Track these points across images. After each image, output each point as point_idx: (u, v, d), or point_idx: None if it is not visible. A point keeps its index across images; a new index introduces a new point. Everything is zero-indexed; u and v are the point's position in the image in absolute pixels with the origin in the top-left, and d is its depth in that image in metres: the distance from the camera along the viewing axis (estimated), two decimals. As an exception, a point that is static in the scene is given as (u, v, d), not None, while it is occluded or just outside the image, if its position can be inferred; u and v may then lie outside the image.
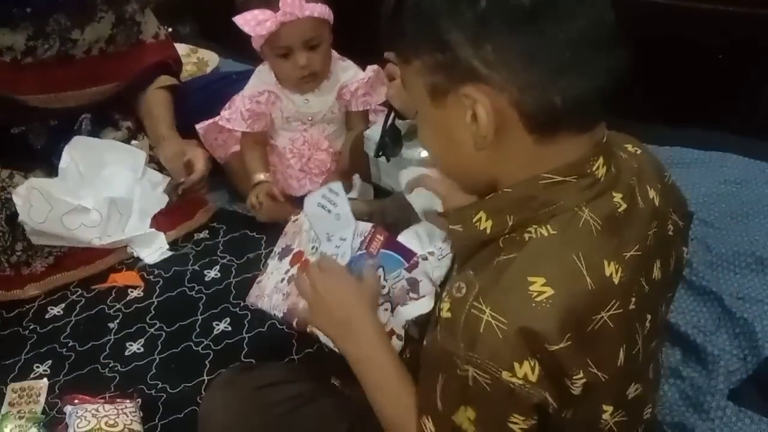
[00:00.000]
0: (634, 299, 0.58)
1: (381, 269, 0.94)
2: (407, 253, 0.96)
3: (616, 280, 0.57)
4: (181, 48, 1.91)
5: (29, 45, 1.29)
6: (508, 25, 0.53)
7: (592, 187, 0.58)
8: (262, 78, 1.35)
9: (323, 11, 1.23)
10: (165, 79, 1.48)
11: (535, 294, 0.54)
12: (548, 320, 0.54)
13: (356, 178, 1.41)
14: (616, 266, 0.57)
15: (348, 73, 1.37)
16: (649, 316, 0.62)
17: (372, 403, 0.75)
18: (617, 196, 0.60)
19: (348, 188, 1.41)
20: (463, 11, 0.55)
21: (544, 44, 0.53)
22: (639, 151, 0.68)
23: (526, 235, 0.57)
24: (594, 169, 0.58)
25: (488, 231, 0.60)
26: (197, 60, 1.85)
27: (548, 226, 0.57)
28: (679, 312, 1.04)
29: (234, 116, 1.34)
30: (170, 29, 2.17)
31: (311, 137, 1.39)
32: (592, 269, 0.56)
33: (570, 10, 0.54)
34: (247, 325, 1.13)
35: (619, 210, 0.59)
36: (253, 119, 1.33)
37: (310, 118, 1.37)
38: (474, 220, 0.61)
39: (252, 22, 1.22)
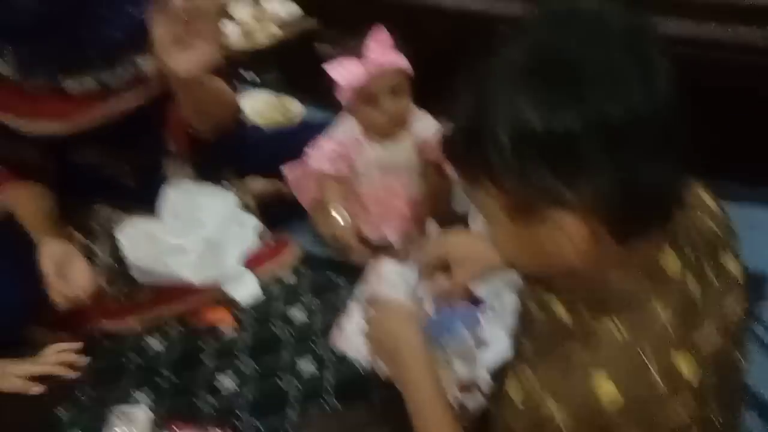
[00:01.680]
0: (705, 389, 0.59)
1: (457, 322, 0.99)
2: (477, 303, 1.01)
3: (685, 373, 0.57)
4: (267, 96, 2.04)
5: (104, 84, 1.31)
6: (599, 158, 0.53)
7: (663, 278, 0.59)
8: (347, 124, 1.43)
9: (405, 62, 1.32)
10: None
11: (598, 388, 0.56)
12: (610, 415, 0.55)
13: (431, 225, 1.46)
14: (687, 358, 0.57)
15: (425, 124, 1.43)
16: (721, 409, 0.62)
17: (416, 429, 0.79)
18: (690, 282, 0.60)
19: (424, 235, 1.47)
20: (549, 138, 0.53)
21: (632, 174, 0.54)
22: (715, 209, 0.68)
23: (596, 325, 0.59)
24: (664, 260, 0.59)
25: (563, 319, 0.62)
26: (282, 108, 1.95)
27: (618, 318, 0.58)
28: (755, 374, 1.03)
29: (319, 156, 1.43)
30: (254, 77, 2.33)
31: (389, 184, 1.45)
32: (659, 363, 0.56)
33: (658, 149, 0.55)
34: (330, 366, 1.18)
35: (691, 297, 0.60)
36: (336, 161, 1.42)
37: (389, 166, 1.44)
38: (547, 300, 0.63)
39: (343, 73, 1.31)
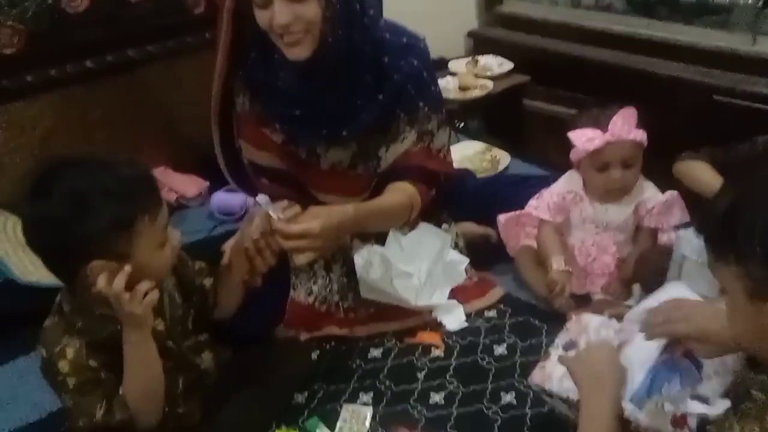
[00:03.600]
0: None
1: (677, 375, 1.06)
2: (699, 365, 1.07)
3: None
4: (477, 146, 2.22)
5: (353, 161, 1.52)
6: None
7: None
8: (572, 180, 1.56)
9: (643, 137, 1.43)
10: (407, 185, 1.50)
11: None
12: None
13: (636, 287, 1.53)
14: None
15: (648, 192, 1.53)
16: None
17: None
18: None
19: (627, 296, 1.54)
20: None
21: None
22: None
23: None
24: None
25: None
26: (490, 158, 2.12)
27: None
28: None
29: (541, 206, 1.57)
30: (462, 125, 2.53)
31: (601, 241, 1.55)
32: None
33: None
34: (529, 402, 1.30)
35: None
36: (556, 211, 1.55)
37: (604, 224, 1.55)
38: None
39: (582, 138, 1.45)
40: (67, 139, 1.85)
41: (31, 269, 1.58)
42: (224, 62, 1.49)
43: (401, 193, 1.46)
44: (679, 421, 0.99)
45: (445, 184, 1.57)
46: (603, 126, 1.42)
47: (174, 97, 2.06)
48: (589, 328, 1.25)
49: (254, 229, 1.26)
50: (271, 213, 1.25)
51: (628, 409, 1.02)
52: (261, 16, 1.31)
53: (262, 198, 1.27)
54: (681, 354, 1.06)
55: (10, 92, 1.77)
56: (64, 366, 1.10)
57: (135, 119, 1.97)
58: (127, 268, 1.06)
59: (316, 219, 1.28)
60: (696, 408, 0.99)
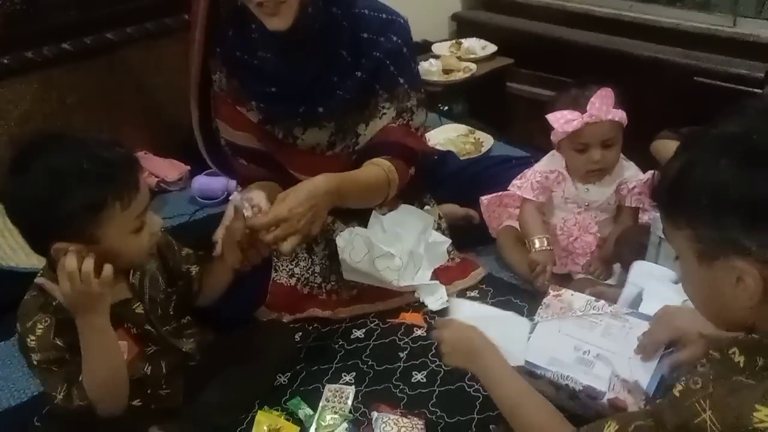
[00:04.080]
0: None
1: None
2: None
3: None
4: (461, 128, 2.21)
5: (330, 141, 1.52)
6: None
7: None
8: (554, 160, 1.57)
9: (622, 116, 1.43)
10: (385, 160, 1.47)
11: (757, 420, 0.65)
12: None
13: (617, 267, 1.54)
14: None
15: (629, 172, 1.54)
16: None
17: (515, 417, 0.95)
18: None
19: (608, 275, 1.55)
20: (742, 198, 0.67)
21: None
22: None
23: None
24: None
25: (741, 365, 0.70)
26: (474, 140, 2.12)
27: None
28: None
29: (525, 185, 1.58)
30: (446, 108, 2.52)
31: (582, 220, 1.56)
32: None
33: None
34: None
35: None
36: (539, 191, 1.55)
37: (586, 204, 1.55)
38: (729, 352, 0.72)
39: (561, 120, 1.45)
40: (45, 122, 1.83)
41: (10, 254, 1.57)
42: (202, 40, 1.47)
43: (377, 167, 1.44)
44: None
45: (423, 162, 1.56)
46: (581, 107, 1.42)
47: (154, 80, 2.04)
48: (574, 306, 1.27)
49: (237, 229, 1.25)
50: (245, 212, 1.24)
51: None
52: None
53: (235, 197, 1.26)
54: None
55: (-14, 75, 1.75)
56: (31, 341, 1.10)
57: (114, 102, 1.95)
58: (89, 256, 1.05)
59: (281, 203, 1.26)
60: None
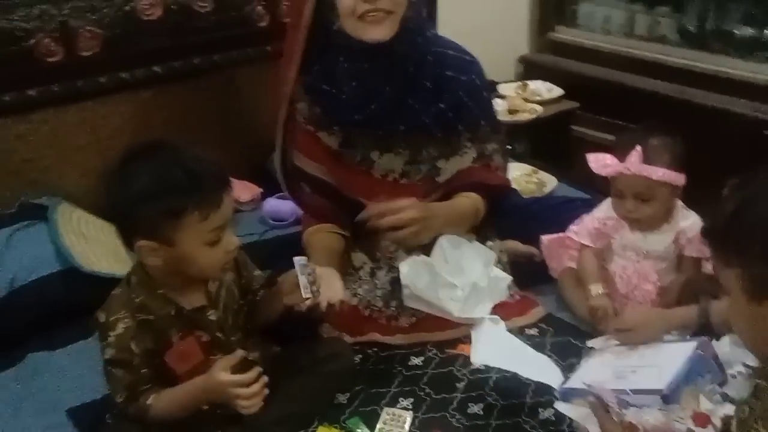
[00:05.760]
0: None
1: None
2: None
3: None
4: (524, 167, 2.24)
5: (405, 169, 1.60)
6: None
7: None
8: (611, 206, 1.57)
9: (665, 175, 1.42)
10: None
11: None
12: None
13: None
14: None
15: (688, 221, 1.53)
16: None
17: None
18: None
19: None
20: None
21: None
22: None
23: None
24: None
25: None
26: (537, 180, 2.15)
27: None
28: None
29: (582, 231, 1.60)
30: (510, 147, 2.56)
31: (642, 268, 1.55)
32: None
33: None
34: (568, 420, 1.30)
35: None
36: (597, 237, 1.57)
37: (644, 252, 1.55)
38: None
39: (598, 163, 1.48)
40: (132, 139, 1.94)
41: (93, 260, 1.67)
42: (294, 76, 1.56)
43: (468, 199, 1.53)
44: (701, 418, 1.01)
45: (503, 198, 1.63)
46: (622, 155, 1.43)
47: (233, 105, 2.15)
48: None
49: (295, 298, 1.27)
50: (303, 292, 1.24)
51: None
52: None
53: (300, 265, 1.27)
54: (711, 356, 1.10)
55: (84, 92, 1.88)
56: (111, 336, 1.18)
57: (195, 124, 2.06)
58: (240, 352, 1.21)
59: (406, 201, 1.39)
60: (723, 408, 1.02)
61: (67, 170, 1.92)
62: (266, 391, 1.20)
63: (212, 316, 1.26)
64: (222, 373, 1.16)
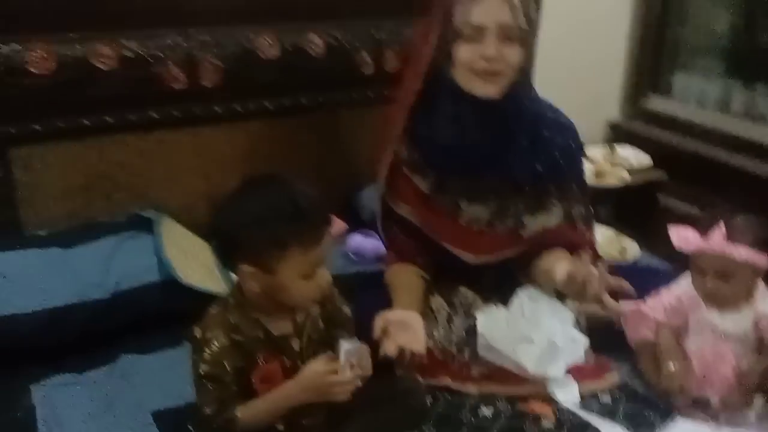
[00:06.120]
0: None
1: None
2: None
3: None
4: (607, 232, 2.25)
5: (490, 220, 1.65)
6: None
7: None
8: (689, 282, 1.56)
9: (748, 256, 1.41)
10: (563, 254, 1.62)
11: None
12: None
13: (758, 398, 1.49)
14: None
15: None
16: None
17: None
18: None
19: (748, 406, 1.51)
20: None
21: None
22: None
23: None
24: None
25: None
26: (619, 246, 2.15)
27: None
28: None
29: (657, 306, 1.59)
30: (594, 210, 2.56)
31: (719, 349, 1.53)
32: None
33: None
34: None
35: None
36: (672, 313, 1.56)
37: (722, 333, 1.53)
38: None
39: (680, 238, 1.47)
40: (236, 165, 2.08)
41: (190, 273, 1.78)
42: (406, 114, 1.65)
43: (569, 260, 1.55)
44: None
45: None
46: (705, 232, 1.43)
47: (331, 142, 2.27)
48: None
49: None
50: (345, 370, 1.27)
51: None
52: (466, 50, 1.48)
53: (346, 345, 1.29)
54: None
55: (200, 118, 2.03)
56: (206, 353, 1.26)
57: (295, 157, 2.18)
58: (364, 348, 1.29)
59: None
60: None
61: (174, 188, 2.07)
62: (359, 381, 1.27)
63: (295, 345, 1.33)
64: (318, 363, 1.25)
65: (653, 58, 2.93)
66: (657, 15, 2.88)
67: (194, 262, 1.83)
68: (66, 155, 1.91)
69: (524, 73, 1.55)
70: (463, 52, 1.49)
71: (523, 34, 1.50)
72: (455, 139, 1.59)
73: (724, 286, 1.45)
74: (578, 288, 1.41)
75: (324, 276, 1.29)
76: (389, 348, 1.43)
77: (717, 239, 1.42)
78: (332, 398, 1.26)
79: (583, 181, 1.68)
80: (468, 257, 1.68)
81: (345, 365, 1.26)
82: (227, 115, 2.06)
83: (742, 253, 1.41)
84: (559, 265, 1.51)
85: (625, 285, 1.63)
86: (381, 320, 1.46)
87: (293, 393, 1.26)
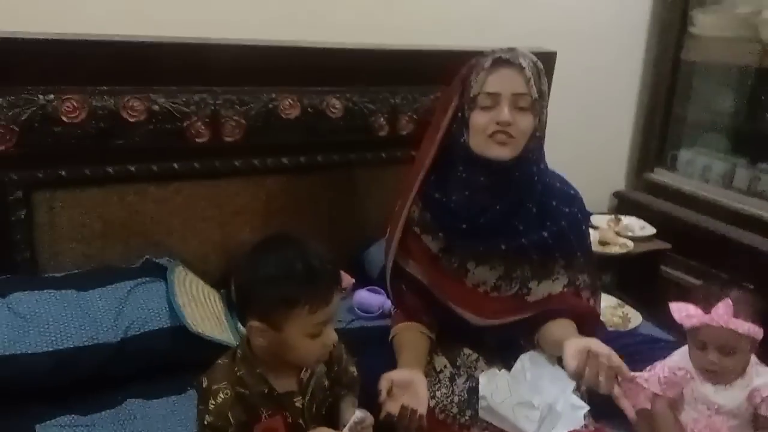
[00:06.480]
0: None
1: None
2: None
3: None
4: (611, 300, 2.28)
5: (496, 283, 1.68)
6: None
7: None
8: (685, 356, 1.58)
9: (750, 329, 1.44)
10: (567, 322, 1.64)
11: None
12: None
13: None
14: None
15: (762, 379, 1.51)
16: None
17: None
18: None
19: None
20: None
21: None
22: None
23: None
24: None
25: None
26: (622, 314, 2.17)
27: None
28: None
29: (652, 379, 1.61)
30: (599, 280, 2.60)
31: (713, 423, 1.54)
32: None
33: None
34: None
35: None
36: (667, 386, 1.58)
37: (716, 407, 1.54)
38: None
39: (682, 313, 1.49)
40: (251, 219, 2.15)
41: (199, 322, 1.82)
42: (422, 177, 1.71)
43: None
44: None
45: (590, 328, 1.68)
46: (706, 306, 1.45)
47: (343, 200, 2.34)
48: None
49: None
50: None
51: None
52: (482, 116, 1.57)
53: (359, 414, 1.32)
54: None
55: (219, 171, 2.11)
56: (211, 404, 1.27)
57: (308, 212, 2.25)
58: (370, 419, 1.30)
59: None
60: None
61: (189, 237, 2.12)
62: None
63: (298, 402, 1.34)
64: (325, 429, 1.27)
65: (660, 134, 3.02)
66: (664, 93, 2.98)
67: (204, 310, 1.87)
68: (87, 200, 1.98)
69: (535, 141, 1.62)
70: (479, 118, 1.58)
71: (535, 104, 1.58)
72: (465, 201, 1.66)
73: (726, 359, 1.48)
74: (592, 380, 1.42)
75: (331, 336, 1.31)
76: (392, 407, 1.45)
77: (722, 313, 1.44)
78: None
79: (590, 250, 1.73)
80: (473, 319, 1.72)
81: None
82: (246, 169, 2.13)
83: (745, 326, 1.44)
84: (569, 345, 1.49)
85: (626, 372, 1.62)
86: (385, 381, 1.49)
87: None
